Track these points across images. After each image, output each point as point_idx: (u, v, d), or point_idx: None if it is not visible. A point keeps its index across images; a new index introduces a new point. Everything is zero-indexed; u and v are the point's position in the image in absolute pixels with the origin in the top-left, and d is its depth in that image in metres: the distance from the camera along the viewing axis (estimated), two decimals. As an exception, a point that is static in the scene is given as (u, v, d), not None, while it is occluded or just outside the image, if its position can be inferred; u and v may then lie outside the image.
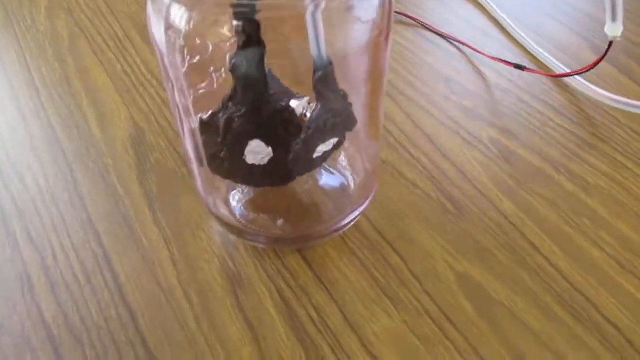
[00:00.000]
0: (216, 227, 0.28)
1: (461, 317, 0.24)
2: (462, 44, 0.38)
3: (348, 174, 0.29)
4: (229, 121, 0.24)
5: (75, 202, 0.29)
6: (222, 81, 0.24)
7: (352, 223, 0.27)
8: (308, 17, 0.21)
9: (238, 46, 0.23)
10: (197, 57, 0.23)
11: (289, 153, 0.25)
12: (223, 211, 0.28)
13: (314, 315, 0.25)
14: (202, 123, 0.25)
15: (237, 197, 0.28)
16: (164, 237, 0.28)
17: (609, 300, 0.25)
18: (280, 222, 0.28)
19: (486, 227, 0.28)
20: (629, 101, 0.32)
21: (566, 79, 0.35)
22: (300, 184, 0.28)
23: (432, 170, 0.30)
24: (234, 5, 0.21)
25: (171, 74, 0.24)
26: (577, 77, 0.34)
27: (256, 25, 0.22)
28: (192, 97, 0.25)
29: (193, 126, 0.26)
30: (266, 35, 0.22)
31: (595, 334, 0.24)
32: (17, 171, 0.31)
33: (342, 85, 0.23)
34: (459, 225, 0.28)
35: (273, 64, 0.24)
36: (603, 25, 0.29)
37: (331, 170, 0.29)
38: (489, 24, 0.40)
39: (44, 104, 0.35)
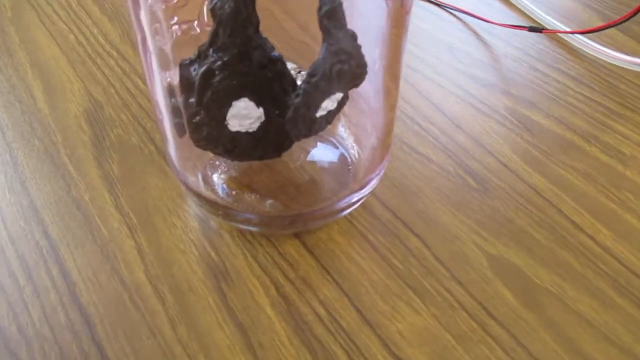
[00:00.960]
0: (194, 210, 0.23)
1: (502, 308, 0.20)
2: (465, 12, 0.34)
3: (351, 144, 0.24)
4: (208, 75, 0.19)
5: (15, 186, 0.24)
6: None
7: (360, 202, 0.23)
8: None
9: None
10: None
11: (284, 113, 0.20)
12: (202, 189, 0.23)
13: (322, 312, 0.20)
14: (183, 74, 0.20)
15: (220, 170, 0.23)
16: (127, 224, 0.22)
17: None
18: (269, 202, 0.23)
19: (517, 204, 0.23)
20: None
21: (582, 47, 0.31)
22: (293, 157, 0.24)
23: (447, 142, 0.26)
24: None
25: (142, 4, 0.19)
26: (594, 43, 0.31)
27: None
28: (172, 39, 0.20)
29: (170, 80, 0.21)
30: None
31: (662, 323, 0.20)
32: (-59, 152, 0.25)
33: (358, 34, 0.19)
34: (486, 202, 0.23)
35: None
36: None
37: (331, 140, 0.24)
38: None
39: (-21, 76, 0.29)
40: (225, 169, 0.24)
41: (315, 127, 0.21)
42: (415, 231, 0.22)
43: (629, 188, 0.24)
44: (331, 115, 0.21)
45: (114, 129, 0.26)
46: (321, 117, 0.20)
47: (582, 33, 0.31)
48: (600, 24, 0.31)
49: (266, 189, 0.23)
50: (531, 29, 0.31)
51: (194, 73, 0.20)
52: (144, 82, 0.29)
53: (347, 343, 0.19)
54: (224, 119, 0.20)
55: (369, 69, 0.20)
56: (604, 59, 0.31)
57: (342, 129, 0.24)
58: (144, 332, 0.19)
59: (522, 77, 0.30)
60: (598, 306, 0.20)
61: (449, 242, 0.22)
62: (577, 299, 0.20)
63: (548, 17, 0.33)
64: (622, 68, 0.30)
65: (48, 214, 0.23)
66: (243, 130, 0.20)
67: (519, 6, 0.35)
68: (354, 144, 0.24)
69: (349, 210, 0.22)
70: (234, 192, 0.22)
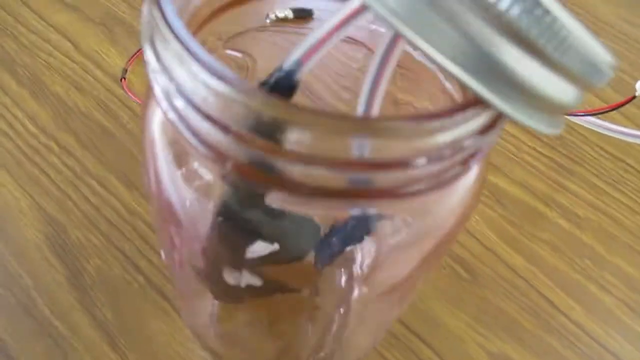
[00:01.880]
0: (206, 355, 0.22)
1: (512, 410, 0.23)
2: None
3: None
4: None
5: (-1, 359, 0.21)
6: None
7: (369, 316, 0.23)
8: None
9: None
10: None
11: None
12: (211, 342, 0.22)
13: None
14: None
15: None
16: (143, 385, 0.21)
17: (633, 353, 0.25)
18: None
19: (504, 291, 0.26)
20: (600, 122, 0.31)
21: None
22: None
23: (430, 226, 0.27)
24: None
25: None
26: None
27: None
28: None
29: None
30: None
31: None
32: None
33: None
34: (476, 292, 0.25)
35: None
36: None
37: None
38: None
39: None
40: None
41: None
42: (426, 340, 0.24)
43: (587, 254, 0.28)
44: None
45: (89, 260, 0.24)
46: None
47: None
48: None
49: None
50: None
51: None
52: (101, 184, 0.26)
53: None
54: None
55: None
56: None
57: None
58: None
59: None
60: (583, 388, 0.24)
61: (456, 346, 0.24)
62: (567, 385, 0.24)
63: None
64: (567, 119, 0.33)
65: (50, 389, 0.21)
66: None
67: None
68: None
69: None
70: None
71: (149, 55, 0.13)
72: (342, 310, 0.22)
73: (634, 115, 0.33)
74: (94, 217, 0.25)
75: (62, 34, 0.32)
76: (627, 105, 0.26)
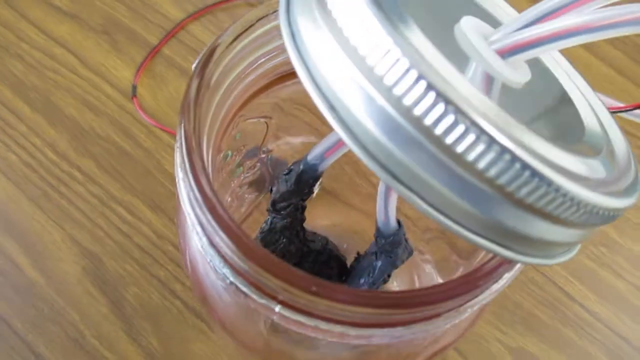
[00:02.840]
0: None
1: (532, 401, 0.25)
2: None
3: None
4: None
5: (60, 393, 0.23)
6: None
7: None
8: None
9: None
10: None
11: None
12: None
13: None
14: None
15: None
16: (194, 405, 0.23)
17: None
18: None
19: (521, 285, 0.27)
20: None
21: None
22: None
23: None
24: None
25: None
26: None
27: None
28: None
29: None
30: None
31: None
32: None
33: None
34: (495, 289, 0.27)
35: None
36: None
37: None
38: None
39: None
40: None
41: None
42: (449, 341, 0.25)
43: (601, 241, 0.28)
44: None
45: (127, 289, 0.25)
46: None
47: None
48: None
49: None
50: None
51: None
52: (128, 210, 0.27)
53: None
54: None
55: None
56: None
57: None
58: None
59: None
60: (597, 373, 0.25)
61: (479, 345, 0.25)
62: (582, 372, 0.25)
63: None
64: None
65: (111, 417, 0.23)
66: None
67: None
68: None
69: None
70: None
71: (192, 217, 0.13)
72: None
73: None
74: (126, 246, 0.26)
75: (66, 47, 0.31)
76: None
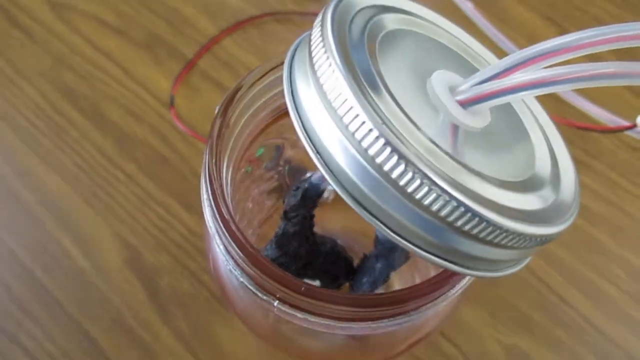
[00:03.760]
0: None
1: (520, 394, 0.27)
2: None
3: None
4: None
5: (104, 367, 0.27)
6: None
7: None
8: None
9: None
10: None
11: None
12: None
13: None
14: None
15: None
16: (217, 383, 0.27)
17: (636, 344, 0.28)
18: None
19: (519, 289, 0.29)
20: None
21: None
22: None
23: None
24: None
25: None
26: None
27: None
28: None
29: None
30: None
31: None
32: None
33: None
34: (494, 291, 0.29)
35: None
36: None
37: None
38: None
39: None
40: None
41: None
42: (449, 336, 0.28)
43: (598, 250, 0.30)
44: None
45: (162, 278, 0.29)
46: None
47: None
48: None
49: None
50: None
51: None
52: (165, 209, 0.31)
53: None
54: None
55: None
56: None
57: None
58: None
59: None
60: (585, 373, 0.28)
61: (475, 341, 0.28)
62: (570, 371, 0.28)
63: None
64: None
65: (146, 389, 0.27)
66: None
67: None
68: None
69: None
70: None
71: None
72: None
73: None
74: (162, 240, 0.30)
75: (113, 60, 0.35)
76: None
